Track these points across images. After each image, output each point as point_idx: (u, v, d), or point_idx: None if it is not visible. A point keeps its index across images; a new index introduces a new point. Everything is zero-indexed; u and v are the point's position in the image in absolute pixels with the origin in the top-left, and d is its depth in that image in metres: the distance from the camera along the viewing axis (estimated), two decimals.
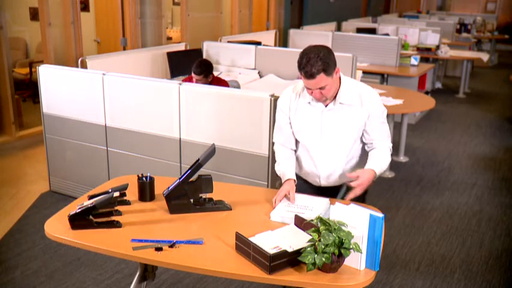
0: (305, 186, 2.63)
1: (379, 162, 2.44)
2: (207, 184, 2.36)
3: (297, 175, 2.59)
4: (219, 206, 2.37)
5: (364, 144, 2.55)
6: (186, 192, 2.32)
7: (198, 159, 2.35)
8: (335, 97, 2.41)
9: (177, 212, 2.32)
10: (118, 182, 2.56)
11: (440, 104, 8.19)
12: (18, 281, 3.21)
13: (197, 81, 4.15)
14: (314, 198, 2.43)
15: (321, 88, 2.29)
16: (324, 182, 2.59)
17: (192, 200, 2.35)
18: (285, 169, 2.52)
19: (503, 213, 4.42)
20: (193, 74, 4.18)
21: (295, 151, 2.62)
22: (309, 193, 2.52)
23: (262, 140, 3.39)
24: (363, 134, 2.49)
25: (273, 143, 2.66)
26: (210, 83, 4.19)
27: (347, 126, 2.44)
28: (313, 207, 2.33)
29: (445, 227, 4.10)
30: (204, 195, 2.37)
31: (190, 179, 2.34)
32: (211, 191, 2.37)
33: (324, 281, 1.84)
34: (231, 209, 2.37)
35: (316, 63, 2.21)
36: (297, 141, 2.59)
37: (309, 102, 2.45)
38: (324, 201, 2.38)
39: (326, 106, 2.43)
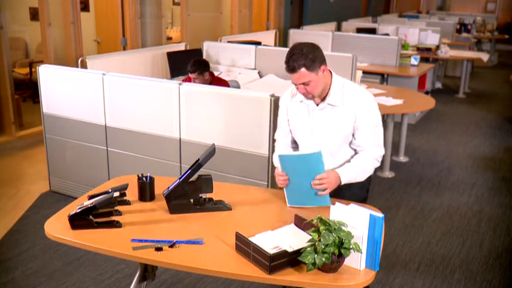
0: None
1: (353, 171, 2.43)
2: (207, 184, 2.36)
3: None
4: (219, 206, 2.37)
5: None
6: (186, 192, 2.32)
7: (198, 159, 2.35)
8: (326, 97, 2.43)
9: (177, 212, 2.32)
10: (118, 182, 2.56)
11: (440, 104, 8.19)
12: (18, 281, 3.21)
13: (194, 80, 4.15)
14: None
15: (304, 84, 2.33)
16: None
17: (192, 200, 2.35)
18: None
19: (503, 213, 4.42)
20: (189, 74, 4.20)
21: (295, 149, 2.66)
22: None
23: (262, 140, 3.39)
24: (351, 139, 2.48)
25: (274, 140, 2.72)
26: (211, 83, 4.19)
27: (335, 128, 2.45)
28: None
29: (445, 227, 4.10)
30: (204, 195, 2.37)
31: (190, 179, 2.34)
32: (211, 191, 2.37)
33: (324, 281, 1.84)
34: (231, 209, 2.37)
35: (298, 58, 2.28)
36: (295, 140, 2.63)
37: (301, 101, 2.49)
38: None
39: (317, 105, 2.45)
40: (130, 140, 3.93)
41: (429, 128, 6.99)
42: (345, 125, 2.43)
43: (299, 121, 2.53)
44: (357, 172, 2.45)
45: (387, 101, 5.05)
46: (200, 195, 2.36)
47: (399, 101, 5.06)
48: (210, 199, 2.38)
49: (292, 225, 2.18)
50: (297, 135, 2.58)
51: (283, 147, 2.64)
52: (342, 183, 2.41)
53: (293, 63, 2.29)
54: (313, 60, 2.29)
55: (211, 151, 2.41)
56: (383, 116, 6.78)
